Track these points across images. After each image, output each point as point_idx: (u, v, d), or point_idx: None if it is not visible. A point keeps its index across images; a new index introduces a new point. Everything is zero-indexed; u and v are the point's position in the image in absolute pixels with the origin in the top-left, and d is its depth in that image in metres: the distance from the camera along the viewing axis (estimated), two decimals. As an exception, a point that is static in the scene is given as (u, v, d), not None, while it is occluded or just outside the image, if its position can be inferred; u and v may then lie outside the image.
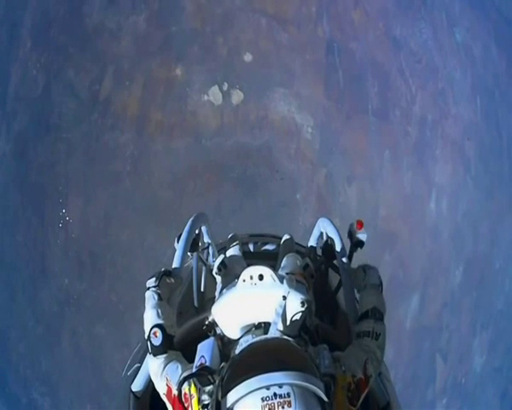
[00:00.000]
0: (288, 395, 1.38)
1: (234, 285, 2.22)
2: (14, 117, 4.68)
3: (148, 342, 1.91)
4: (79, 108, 4.76)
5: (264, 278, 2.10)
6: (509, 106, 6.66)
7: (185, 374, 1.69)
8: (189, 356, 1.73)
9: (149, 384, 2.13)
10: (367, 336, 1.92)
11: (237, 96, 5.15)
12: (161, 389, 1.80)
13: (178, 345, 2.01)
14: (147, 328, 1.95)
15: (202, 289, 2.59)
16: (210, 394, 1.59)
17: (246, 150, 5.11)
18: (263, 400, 1.38)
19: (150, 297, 2.05)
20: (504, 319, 6.33)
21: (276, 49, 5.40)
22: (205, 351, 1.81)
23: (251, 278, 2.12)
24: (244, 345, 1.68)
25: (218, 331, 2.11)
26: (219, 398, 1.47)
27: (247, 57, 5.25)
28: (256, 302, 1.99)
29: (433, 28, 6.39)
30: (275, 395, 1.38)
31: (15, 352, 4.46)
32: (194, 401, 1.61)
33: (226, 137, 5.07)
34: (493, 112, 6.60)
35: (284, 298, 1.98)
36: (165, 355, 1.87)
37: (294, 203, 5.26)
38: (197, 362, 1.71)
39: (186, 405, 1.66)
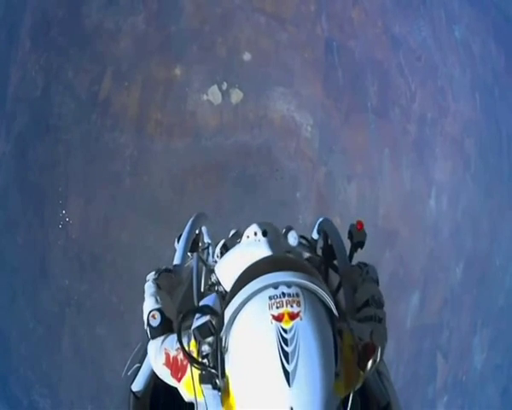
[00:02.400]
0: (297, 295, 1.31)
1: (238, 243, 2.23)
2: (14, 118, 4.68)
3: (148, 327, 1.91)
4: (79, 109, 4.74)
5: (269, 234, 2.11)
6: (509, 103, 6.68)
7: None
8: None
9: (149, 384, 2.13)
10: (369, 320, 1.88)
11: (236, 96, 5.15)
12: (160, 361, 1.74)
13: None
14: (145, 314, 1.96)
15: (202, 290, 2.60)
16: (210, 344, 1.51)
17: (245, 150, 5.10)
18: (270, 298, 1.31)
19: (149, 287, 2.06)
20: (505, 317, 6.35)
21: (275, 48, 5.40)
22: (206, 302, 1.79)
23: (255, 234, 2.13)
24: None
25: (221, 289, 2.16)
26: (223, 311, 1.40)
27: (246, 56, 5.24)
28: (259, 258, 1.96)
29: (433, 26, 6.40)
30: (283, 294, 1.31)
31: (16, 353, 4.45)
32: (194, 355, 1.54)
33: (226, 136, 5.06)
34: (493, 109, 6.61)
35: (288, 253, 1.96)
36: (163, 336, 1.83)
37: (294, 202, 5.26)
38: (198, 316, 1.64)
39: (185, 363, 1.63)
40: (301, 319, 1.28)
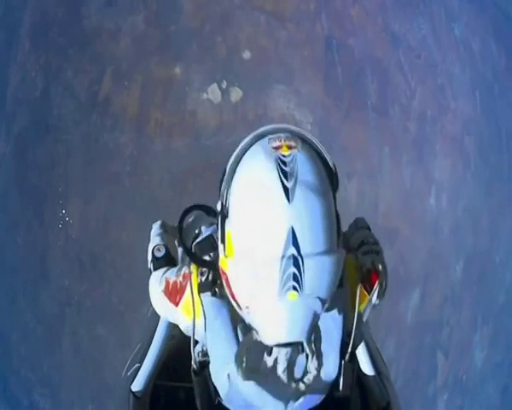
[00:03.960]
0: (295, 140, 1.37)
1: None
2: (14, 119, 4.67)
3: (152, 260, 1.94)
4: (78, 109, 4.74)
5: None
6: (509, 101, 6.67)
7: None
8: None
9: (149, 384, 2.14)
10: (366, 254, 1.89)
11: (236, 94, 5.14)
12: (159, 288, 1.74)
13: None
14: (150, 250, 2.00)
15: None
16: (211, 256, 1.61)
17: (245, 148, 5.10)
18: (270, 139, 1.37)
19: (156, 229, 2.18)
20: (505, 314, 6.34)
21: (274, 46, 5.40)
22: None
23: None
24: None
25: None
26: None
27: (246, 55, 5.24)
28: None
29: (432, 23, 6.38)
30: (282, 135, 1.38)
31: (16, 354, 4.45)
32: (194, 275, 1.59)
33: (226, 135, 5.05)
34: (492, 107, 6.60)
35: None
36: (166, 267, 1.86)
37: (294, 200, 5.25)
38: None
39: (184, 283, 1.64)
40: (299, 151, 1.33)
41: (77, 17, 4.91)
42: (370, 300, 1.65)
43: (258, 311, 1.30)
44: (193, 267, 1.62)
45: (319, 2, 5.72)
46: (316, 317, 1.30)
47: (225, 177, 1.42)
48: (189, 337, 1.64)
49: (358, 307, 1.56)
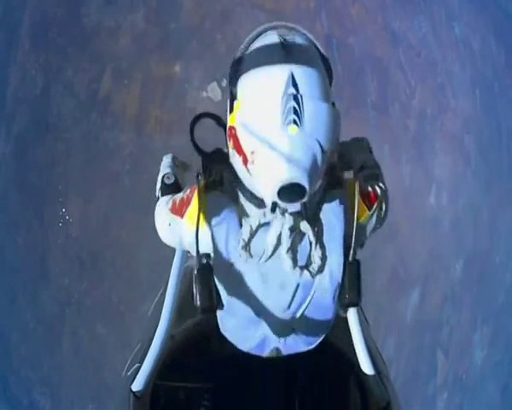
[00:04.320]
0: (294, 35, 1.51)
1: None
2: (14, 118, 4.67)
3: (161, 187, 2.02)
4: (78, 108, 4.74)
5: None
6: (509, 99, 6.66)
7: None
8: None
9: (149, 384, 2.14)
10: (366, 180, 1.88)
11: (236, 93, 5.13)
12: (166, 208, 1.76)
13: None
14: (159, 179, 2.04)
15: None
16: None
17: (245, 147, 5.09)
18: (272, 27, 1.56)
19: (166, 162, 2.23)
20: (505, 313, 6.33)
21: (274, 44, 5.39)
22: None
23: None
24: None
25: None
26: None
27: (246, 53, 5.23)
28: None
29: (432, 22, 6.38)
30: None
31: (16, 354, 4.45)
32: (202, 181, 1.64)
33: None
34: (492, 105, 6.59)
35: None
36: (173, 194, 1.86)
37: (295, 199, 5.24)
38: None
39: (190, 195, 1.69)
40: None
41: (76, 16, 4.91)
42: (371, 216, 1.71)
43: (262, 151, 1.36)
44: (201, 183, 1.65)
45: (319, 0, 5.71)
46: (315, 162, 1.34)
47: (234, 63, 1.58)
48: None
49: (358, 208, 1.59)
